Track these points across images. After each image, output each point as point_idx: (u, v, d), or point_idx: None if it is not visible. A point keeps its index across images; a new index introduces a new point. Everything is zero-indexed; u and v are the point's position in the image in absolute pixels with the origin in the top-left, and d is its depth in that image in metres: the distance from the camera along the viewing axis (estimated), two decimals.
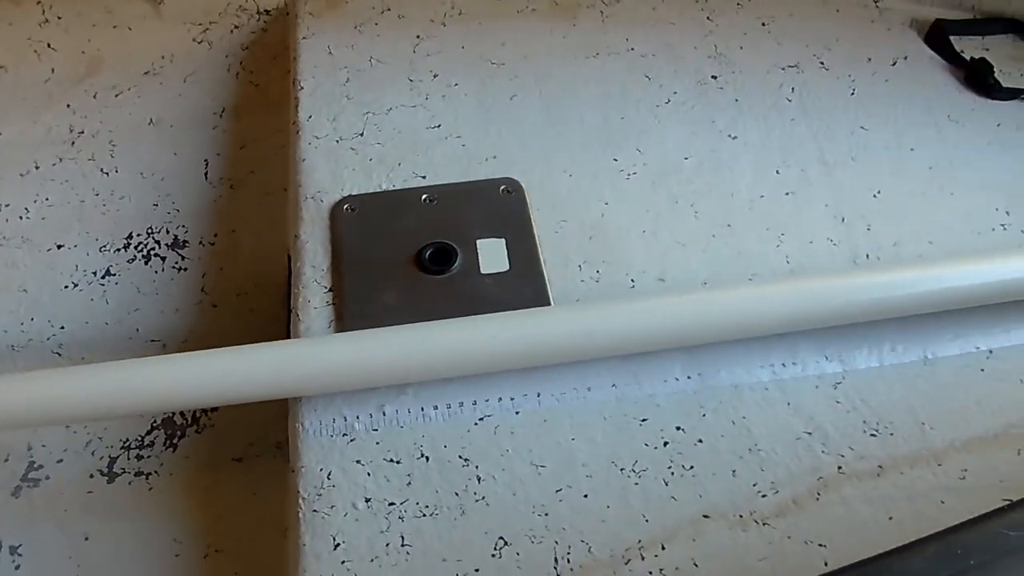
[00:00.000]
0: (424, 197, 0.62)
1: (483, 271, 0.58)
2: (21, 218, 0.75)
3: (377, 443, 0.52)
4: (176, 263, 0.71)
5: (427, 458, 0.51)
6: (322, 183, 0.63)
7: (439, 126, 0.67)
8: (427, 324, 0.53)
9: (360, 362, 0.52)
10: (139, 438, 0.66)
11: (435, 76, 0.70)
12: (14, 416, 0.52)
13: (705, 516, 0.49)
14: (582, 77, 0.72)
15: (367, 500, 0.50)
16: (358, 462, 0.52)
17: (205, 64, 0.79)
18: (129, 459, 0.65)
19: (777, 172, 0.67)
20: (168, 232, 0.72)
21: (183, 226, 0.73)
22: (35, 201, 0.75)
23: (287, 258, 0.63)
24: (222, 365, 0.52)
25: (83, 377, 0.52)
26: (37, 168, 0.76)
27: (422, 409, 0.53)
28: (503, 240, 0.59)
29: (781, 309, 0.54)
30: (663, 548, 0.47)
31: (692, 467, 0.51)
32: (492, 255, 0.58)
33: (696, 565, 0.46)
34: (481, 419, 0.53)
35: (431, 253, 0.58)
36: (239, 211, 0.73)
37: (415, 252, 0.59)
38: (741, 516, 0.48)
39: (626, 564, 0.47)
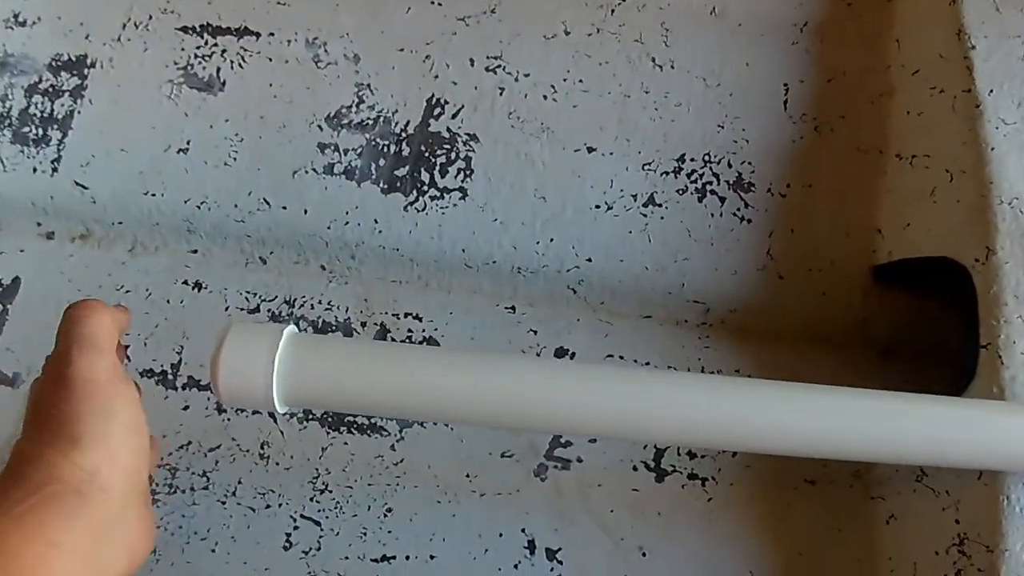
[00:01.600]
0: None
1: None
2: (545, 97, 0.74)
3: None
4: (737, 209, 0.71)
5: None
6: (1018, 187, 0.63)
7: None
8: None
9: None
10: None
11: None
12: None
13: None
14: None
15: None
16: None
17: None
18: (679, 454, 0.66)
19: None
20: (731, 166, 0.72)
21: (750, 163, 0.72)
22: (564, 79, 0.74)
23: (951, 264, 0.62)
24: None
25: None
26: (568, 34, 0.75)
27: None
28: None
29: None
30: None
31: None
32: None
33: None
34: None
35: None
36: (821, 163, 0.73)
37: None
38: None
39: None
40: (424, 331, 0.73)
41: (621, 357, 0.72)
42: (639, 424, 0.52)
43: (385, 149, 0.76)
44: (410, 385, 0.51)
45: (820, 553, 0.67)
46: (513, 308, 0.74)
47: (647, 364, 0.72)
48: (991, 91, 0.67)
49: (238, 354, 0.49)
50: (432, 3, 0.79)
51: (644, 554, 0.66)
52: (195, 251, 0.76)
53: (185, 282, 0.75)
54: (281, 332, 0.50)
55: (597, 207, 0.74)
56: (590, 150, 0.75)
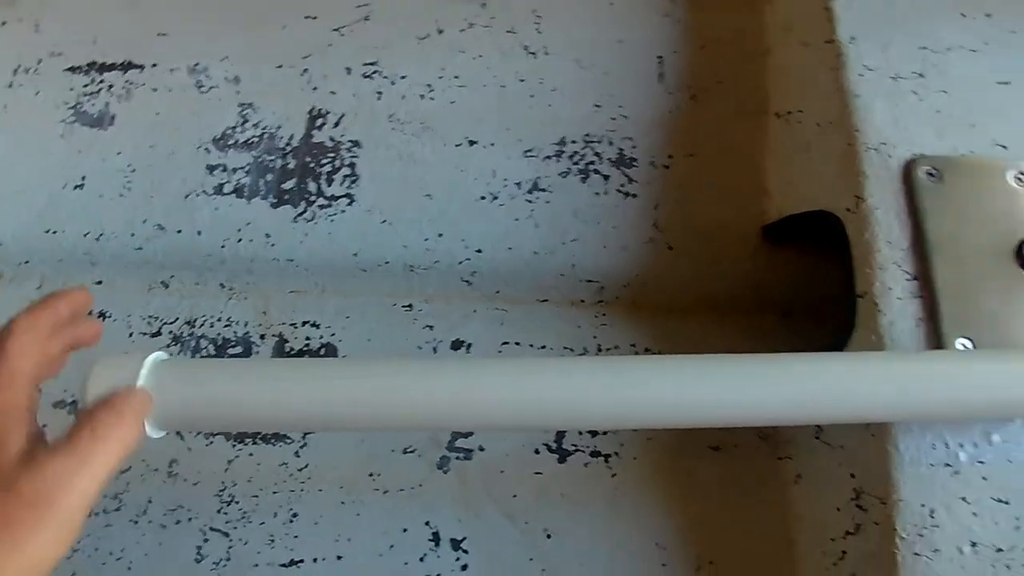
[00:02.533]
0: (1012, 174, 0.62)
1: None
2: (422, 97, 0.76)
3: (984, 478, 0.55)
4: (621, 185, 0.73)
5: None
6: (885, 132, 0.64)
7: (1009, 83, 0.65)
8: None
9: (985, 391, 0.53)
10: None
11: (988, 16, 0.69)
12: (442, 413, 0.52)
13: None
14: None
15: (973, 545, 0.54)
16: (963, 499, 0.55)
17: None
18: (581, 433, 0.68)
19: None
20: (611, 144, 0.74)
21: (630, 139, 0.74)
22: (440, 77, 0.76)
23: (829, 216, 0.64)
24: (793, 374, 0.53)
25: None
26: (440, 32, 0.77)
27: None
28: None
29: None
30: None
31: None
32: None
33: None
34: None
35: None
36: (701, 130, 0.75)
37: (1016, 245, 0.59)
38: None
39: None
40: (322, 337, 0.74)
41: (517, 343, 0.73)
42: (532, 414, 0.52)
43: (271, 164, 0.78)
44: (277, 399, 0.51)
45: (729, 519, 0.67)
46: (410, 306, 0.75)
47: (543, 348, 0.73)
48: (852, 38, 0.68)
49: (103, 388, 0.49)
50: (306, 17, 0.81)
51: (549, 536, 0.67)
52: (100, 282, 0.79)
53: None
54: (142, 361, 0.50)
55: (483, 199, 0.75)
56: (471, 143, 0.77)
